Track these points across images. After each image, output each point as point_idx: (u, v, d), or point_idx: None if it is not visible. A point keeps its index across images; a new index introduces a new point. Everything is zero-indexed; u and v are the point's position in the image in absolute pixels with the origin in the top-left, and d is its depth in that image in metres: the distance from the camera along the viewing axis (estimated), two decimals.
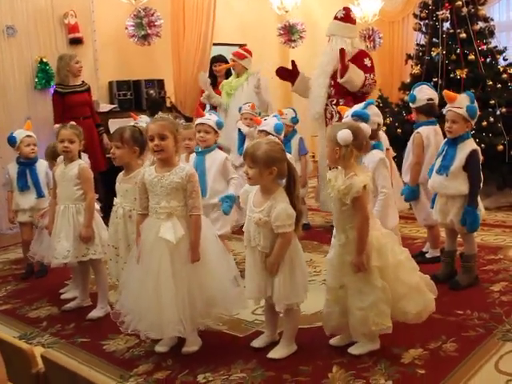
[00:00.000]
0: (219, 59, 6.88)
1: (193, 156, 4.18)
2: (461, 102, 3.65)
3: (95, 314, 3.66)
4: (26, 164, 4.68)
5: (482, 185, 3.72)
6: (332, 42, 5.67)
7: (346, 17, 5.71)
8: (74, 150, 3.74)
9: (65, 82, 6.16)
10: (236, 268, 3.18)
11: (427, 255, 4.37)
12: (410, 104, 4.33)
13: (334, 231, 2.98)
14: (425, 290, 2.93)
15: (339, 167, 2.92)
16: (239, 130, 5.50)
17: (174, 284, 2.91)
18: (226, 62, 6.81)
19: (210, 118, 4.13)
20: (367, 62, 5.58)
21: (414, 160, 4.20)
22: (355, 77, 5.51)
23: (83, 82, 6.29)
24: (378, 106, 5.41)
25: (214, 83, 6.63)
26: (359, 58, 5.56)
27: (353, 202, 2.79)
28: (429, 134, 4.18)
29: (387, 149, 4.34)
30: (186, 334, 3.01)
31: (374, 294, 2.82)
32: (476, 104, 3.69)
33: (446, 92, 3.76)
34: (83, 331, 3.47)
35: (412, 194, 4.20)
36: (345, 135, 2.83)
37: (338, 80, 5.50)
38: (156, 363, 2.98)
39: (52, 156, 4.36)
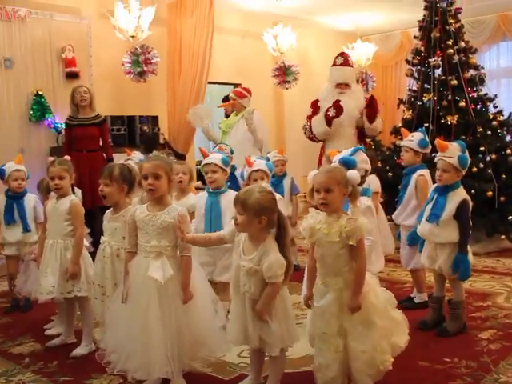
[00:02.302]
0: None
1: (202, 195, 4.17)
2: (452, 152, 3.66)
3: (79, 351, 3.61)
4: (14, 197, 4.64)
5: (471, 231, 3.73)
6: (353, 87, 6.24)
7: (351, 63, 6.36)
8: (66, 186, 3.73)
9: (74, 114, 6.20)
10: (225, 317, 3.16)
11: (415, 300, 4.35)
12: (418, 148, 4.24)
13: (322, 277, 2.91)
14: (404, 324, 3.01)
15: (321, 212, 2.89)
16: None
17: (162, 324, 2.88)
18: None
19: (214, 156, 4.10)
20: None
21: (423, 203, 4.01)
22: (378, 123, 6.19)
23: (98, 114, 6.27)
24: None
25: None
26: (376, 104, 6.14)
27: (357, 243, 2.79)
28: (428, 176, 4.20)
29: (376, 192, 4.37)
30: (173, 375, 2.95)
31: (375, 333, 2.81)
32: (467, 153, 3.70)
33: (438, 141, 3.77)
34: (66, 369, 3.41)
35: (419, 238, 3.98)
36: (355, 175, 2.87)
37: (366, 125, 6.16)
38: None
39: (47, 190, 4.34)
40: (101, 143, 6.25)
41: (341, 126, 6.11)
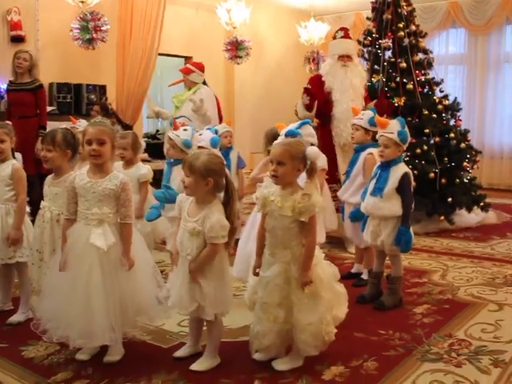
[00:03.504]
0: None
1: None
2: (392, 128, 3.77)
3: (16, 318, 3.55)
4: None
5: (413, 208, 3.82)
6: (355, 60, 5.94)
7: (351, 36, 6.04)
8: (6, 149, 3.63)
9: (14, 78, 6.02)
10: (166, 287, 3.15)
11: (363, 276, 4.39)
12: (368, 126, 4.29)
13: (270, 248, 2.94)
14: (344, 296, 3.09)
15: (275, 185, 2.92)
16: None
17: (105, 291, 2.86)
18: None
19: (179, 134, 3.97)
20: None
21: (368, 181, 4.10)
22: None
23: (34, 80, 6.02)
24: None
25: None
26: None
27: (309, 220, 2.83)
28: (377, 155, 4.26)
29: (323, 169, 4.41)
30: (116, 342, 2.95)
31: (321, 306, 2.87)
32: (407, 129, 3.80)
33: (377, 118, 3.91)
34: (2, 336, 3.35)
35: (362, 215, 4.04)
36: (314, 150, 2.88)
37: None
38: (76, 371, 2.91)
39: None
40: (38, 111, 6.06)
41: (351, 101, 5.62)
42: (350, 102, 5.56)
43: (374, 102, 5.97)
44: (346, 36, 5.96)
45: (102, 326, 2.84)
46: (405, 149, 3.84)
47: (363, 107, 5.67)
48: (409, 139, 3.83)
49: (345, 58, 5.80)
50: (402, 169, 3.78)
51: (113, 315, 2.87)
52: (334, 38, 6.04)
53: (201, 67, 6.45)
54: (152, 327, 3.23)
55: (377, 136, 3.86)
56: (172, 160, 4.06)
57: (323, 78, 5.82)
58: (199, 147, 4.27)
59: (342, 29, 6.10)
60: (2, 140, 3.61)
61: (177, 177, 3.93)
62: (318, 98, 5.68)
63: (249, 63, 9.20)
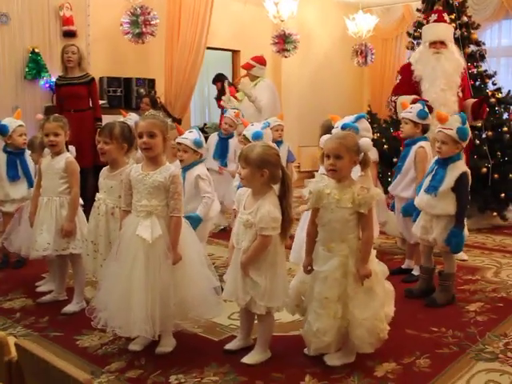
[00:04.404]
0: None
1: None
2: (452, 124, 3.66)
3: (70, 308, 3.64)
4: (16, 154, 4.61)
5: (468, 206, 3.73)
6: (450, 47, 5.42)
7: (446, 19, 5.55)
8: (60, 142, 3.71)
9: (63, 73, 6.13)
10: (217, 279, 3.14)
11: (414, 272, 4.32)
12: (417, 119, 4.22)
13: (326, 243, 2.89)
14: (392, 295, 3.04)
15: (329, 178, 2.90)
16: (218, 135, 5.83)
17: (146, 283, 2.88)
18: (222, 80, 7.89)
19: (187, 136, 3.88)
20: None
21: (420, 175, 4.07)
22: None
23: (86, 74, 6.12)
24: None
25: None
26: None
27: (368, 213, 2.81)
28: (429, 149, 4.20)
29: (375, 162, 4.36)
30: (153, 334, 2.93)
31: (376, 302, 2.86)
32: (467, 126, 3.70)
33: (438, 112, 3.80)
34: (57, 325, 3.44)
35: (414, 209, 3.97)
36: (367, 142, 2.86)
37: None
38: (129, 361, 2.96)
39: (41, 148, 4.26)
40: (91, 103, 6.16)
41: (440, 91, 5.23)
42: (440, 91, 5.18)
43: (474, 101, 5.47)
44: (440, 19, 5.47)
45: (138, 317, 2.86)
46: (464, 146, 3.72)
47: (459, 98, 5.33)
48: (469, 136, 3.71)
49: (437, 44, 5.30)
50: (460, 168, 3.66)
51: (151, 307, 2.88)
52: (428, 21, 5.56)
53: (261, 61, 6.61)
54: (203, 320, 3.24)
55: (435, 131, 3.76)
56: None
57: (412, 67, 5.43)
58: (244, 136, 4.27)
59: (436, 11, 5.67)
60: (57, 133, 3.68)
61: (188, 180, 3.84)
62: (404, 90, 5.31)
63: (296, 56, 9.17)
